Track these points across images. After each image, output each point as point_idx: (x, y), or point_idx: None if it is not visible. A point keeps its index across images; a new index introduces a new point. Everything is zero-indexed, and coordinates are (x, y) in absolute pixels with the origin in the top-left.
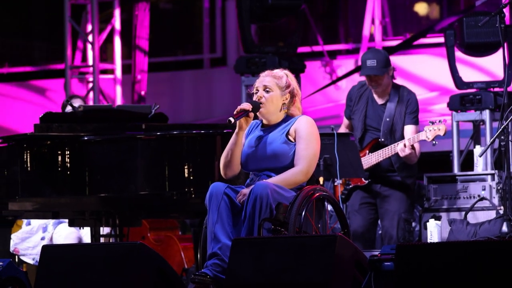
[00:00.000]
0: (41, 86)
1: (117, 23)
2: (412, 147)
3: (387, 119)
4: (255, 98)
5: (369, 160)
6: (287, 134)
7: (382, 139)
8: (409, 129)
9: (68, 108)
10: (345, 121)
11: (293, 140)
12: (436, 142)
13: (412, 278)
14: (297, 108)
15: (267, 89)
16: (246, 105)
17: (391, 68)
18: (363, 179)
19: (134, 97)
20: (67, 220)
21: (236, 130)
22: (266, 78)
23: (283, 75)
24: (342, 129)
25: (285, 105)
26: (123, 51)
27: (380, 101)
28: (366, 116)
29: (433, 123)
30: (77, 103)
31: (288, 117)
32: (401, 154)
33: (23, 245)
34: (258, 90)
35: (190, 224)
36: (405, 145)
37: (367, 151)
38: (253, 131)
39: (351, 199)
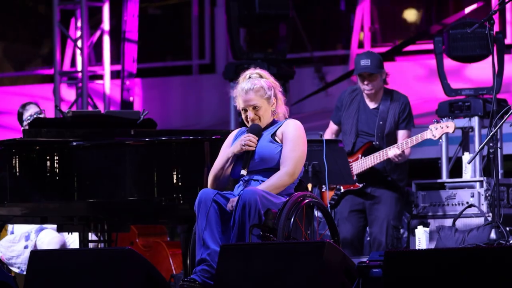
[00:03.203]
0: (30, 91)
1: (106, 27)
2: (403, 152)
3: (380, 123)
4: (243, 116)
5: (363, 164)
6: (273, 135)
7: (377, 142)
8: (400, 135)
9: (25, 116)
10: (332, 126)
11: (279, 142)
12: (442, 141)
13: (400, 285)
14: (279, 100)
15: (256, 107)
16: (253, 143)
17: (384, 72)
18: (357, 183)
19: (123, 103)
20: (49, 226)
21: (234, 151)
22: (249, 95)
23: (261, 83)
24: (328, 134)
25: (275, 110)
26: (112, 56)
27: (372, 105)
28: (358, 121)
29: (438, 121)
30: (32, 109)
31: (275, 121)
32: (395, 160)
33: (7, 255)
34: (247, 110)
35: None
36: (397, 151)
37: (360, 155)
38: (239, 137)
39: (340, 206)
